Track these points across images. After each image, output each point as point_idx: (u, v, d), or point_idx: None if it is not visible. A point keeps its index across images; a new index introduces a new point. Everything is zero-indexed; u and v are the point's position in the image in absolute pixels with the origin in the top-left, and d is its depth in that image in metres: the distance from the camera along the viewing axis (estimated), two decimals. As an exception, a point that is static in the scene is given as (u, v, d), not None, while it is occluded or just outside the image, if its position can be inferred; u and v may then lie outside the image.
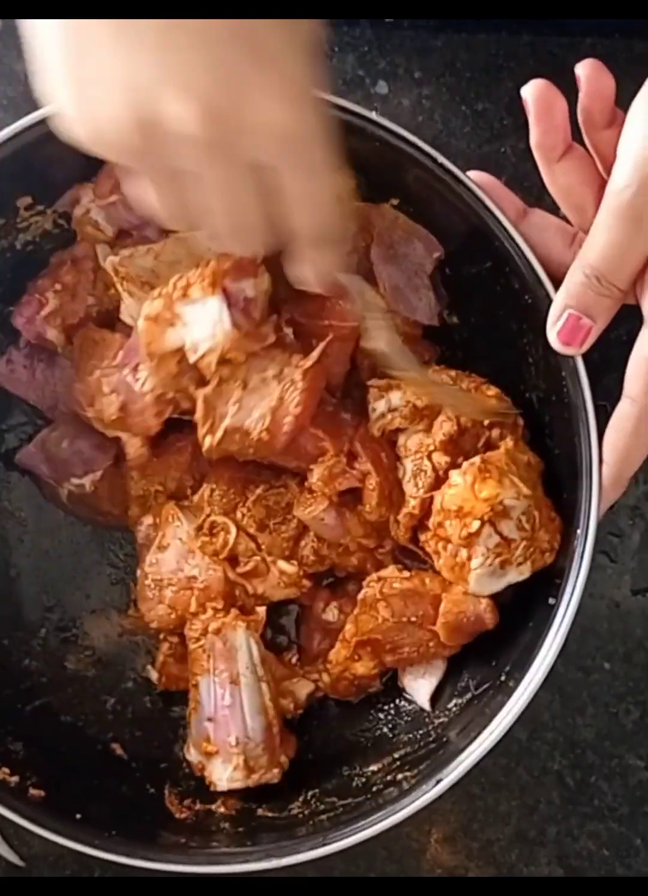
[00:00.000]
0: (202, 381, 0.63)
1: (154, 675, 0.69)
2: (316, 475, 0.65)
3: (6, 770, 0.62)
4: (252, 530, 0.67)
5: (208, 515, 0.68)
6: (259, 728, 0.65)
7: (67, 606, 0.72)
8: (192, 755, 0.66)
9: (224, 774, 0.65)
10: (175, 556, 0.67)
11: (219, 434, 0.63)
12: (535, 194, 0.73)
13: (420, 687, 0.68)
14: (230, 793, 0.66)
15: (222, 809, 0.66)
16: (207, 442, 0.63)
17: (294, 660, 0.71)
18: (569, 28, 0.73)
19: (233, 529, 0.67)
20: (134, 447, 0.67)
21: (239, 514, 0.67)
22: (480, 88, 0.73)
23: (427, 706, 0.68)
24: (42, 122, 0.60)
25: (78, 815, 0.62)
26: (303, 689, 0.69)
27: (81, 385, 0.66)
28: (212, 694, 0.65)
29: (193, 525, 0.67)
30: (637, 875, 0.72)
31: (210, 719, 0.65)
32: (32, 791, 0.62)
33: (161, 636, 0.69)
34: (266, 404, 0.62)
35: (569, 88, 0.73)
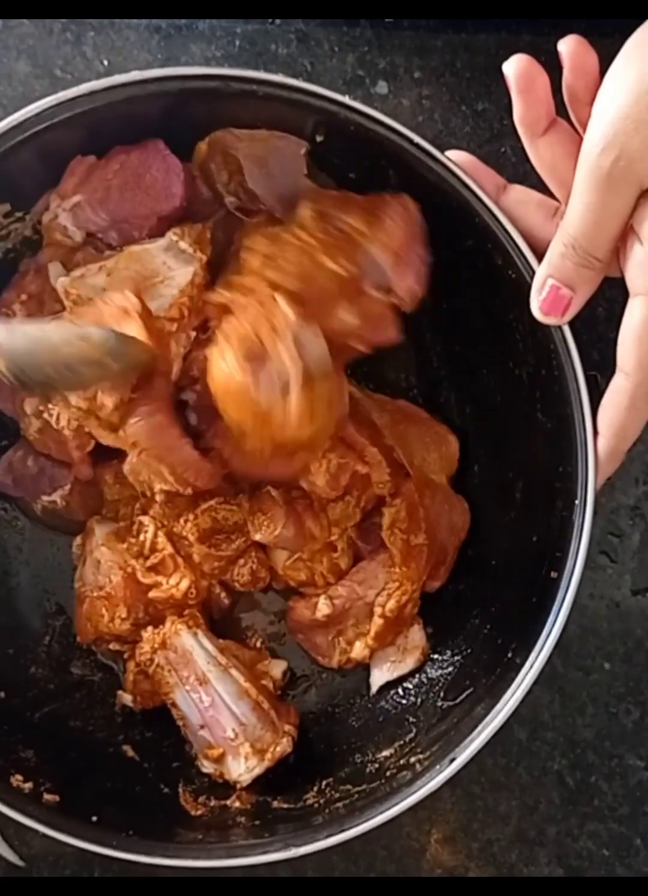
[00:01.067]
0: (112, 427, 0.63)
1: (128, 699, 0.69)
2: (321, 480, 0.66)
3: (19, 777, 0.62)
4: (192, 538, 0.67)
5: (135, 517, 0.68)
6: (248, 710, 0.65)
7: (69, 612, 0.71)
8: (207, 767, 0.66)
9: (240, 768, 0.65)
10: (92, 568, 0.67)
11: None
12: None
13: (380, 672, 0.70)
14: (247, 786, 0.66)
15: (237, 804, 0.66)
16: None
17: (259, 644, 0.71)
18: (569, 28, 0.73)
19: (150, 527, 0.67)
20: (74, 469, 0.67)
21: (182, 521, 0.67)
22: (480, 88, 0.73)
23: (374, 689, 0.69)
24: (18, 127, 0.60)
25: (94, 818, 0.62)
26: (277, 668, 0.70)
27: (13, 403, 0.66)
28: (191, 702, 0.65)
29: (109, 530, 0.67)
30: (637, 875, 0.72)
31: (202, 726, 0.65)
32: (47, 796, 0.62)
33: (124, 657, 0.69)
34: None
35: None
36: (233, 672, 0.65)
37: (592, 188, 0.55)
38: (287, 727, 0.66)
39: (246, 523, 0.68)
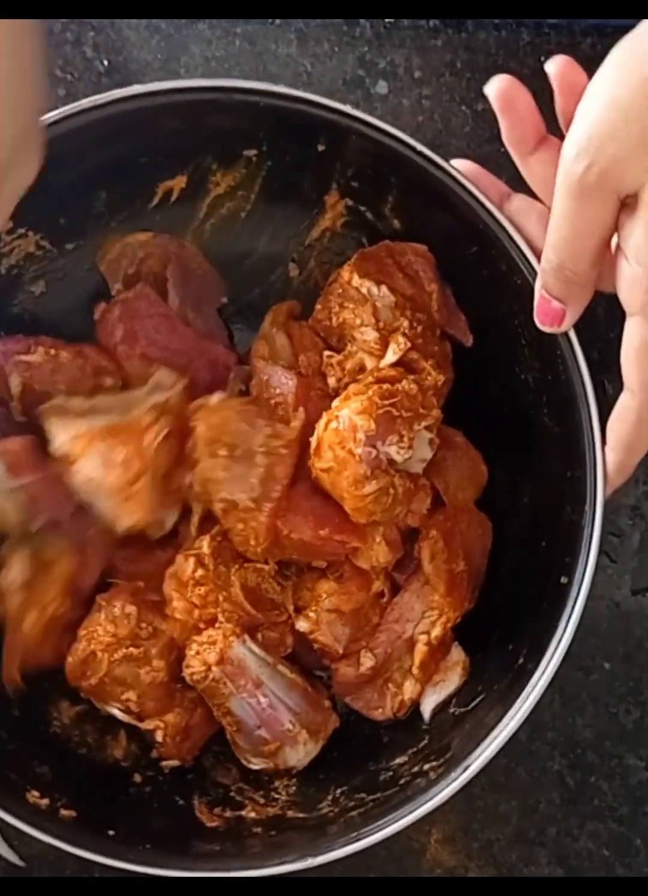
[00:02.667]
0: None
1: (176, 761, 0.67)
2: (382, 555, 0.65)
3: (36, 793, 0.62)
4: (236, 584, 0.66)
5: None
6: (300, 699, 0.65)
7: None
8: (257, 764, 0.66)
9: (299, 754, 0.65)
10: None
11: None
12: (535, 193, 0.73)
13: (429, 698, 0.68)
14: (257, 802, 0.66)
15: (253, 815, 0.66)
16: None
17: None
18: (569, 28, 0.73)
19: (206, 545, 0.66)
20: None
21: (233, 566, 0.66)
22: (480, 88, 0.73)
23: (427, 716, 0.68)
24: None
25: (110, 832, 0.62)
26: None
27: None
28: (248, 707, 0.64)
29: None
30: (637, 875, 0.72)
31: (259, 726, 0.65)
32: (63, 812, 0.62)
33: (147, 725, 0.67)
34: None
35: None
36: (281, 668, 0.65)
37: (566, 196, 0.54)
38: (326, 703, 0.67)
39: (283, 605, 0.67)
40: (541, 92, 0.73)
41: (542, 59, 0.73)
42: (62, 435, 0.63)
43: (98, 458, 0.62)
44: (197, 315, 0.69)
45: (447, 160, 0.62)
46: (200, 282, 0.70)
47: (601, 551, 0.73)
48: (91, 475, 0.63)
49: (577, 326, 0.61)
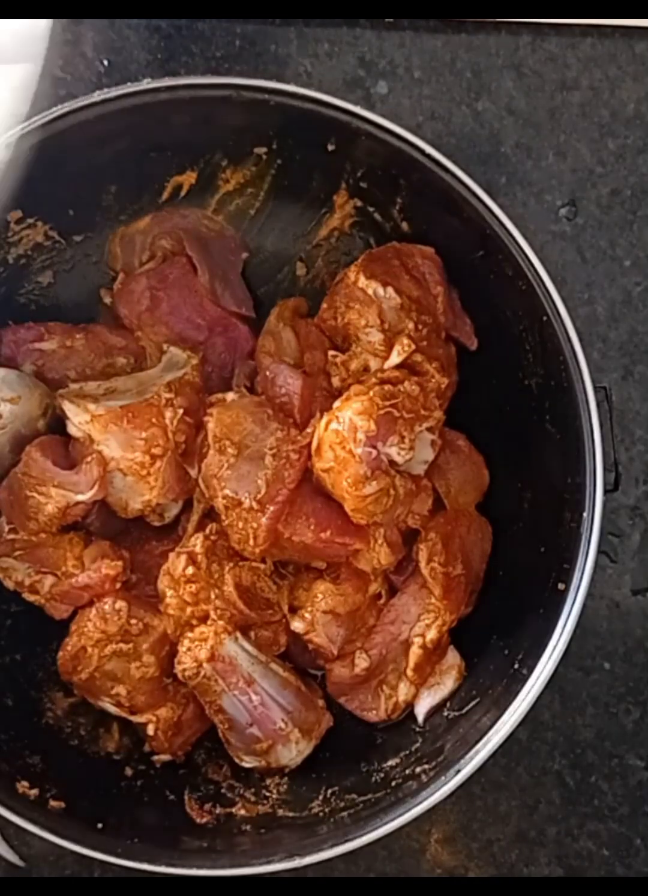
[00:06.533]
0: None
1: (168, 756, 0.68)
2: (384, 556, 0.65)
3: (25, 783, 0.62)
4: (230, 583, 0.65)
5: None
6: (293, 697, 0.65)
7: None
8: (249, 762, 0.66)
9: (292, 753, 0.66)
10: None
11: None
12: (535, 193, 0.73)
13: (423, 700, 0.68)
14: (248, 799, 0.66)
15: (243, 812, 0.66)
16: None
17: None
18: (569, 28, 0.73)
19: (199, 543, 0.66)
20: None
21: (227, 565, 0.66)
22: (480, 88, 0.73)
23: (421, 719, 0.68)
24: (29, 134, 0.60)
25: (99, 825, 0.62)
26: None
27: None
28: (240, 704, 0.65)
29: None
30: (637, 875, 0.72)
31: (250, 724, 0.65)
32: (52, 803, 0.62)
33: (143, 724, 0.67)
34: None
35: (567, 85, 0.74)
36: (273, 666, 0.65)
37: None
38: (320, 703, 0.67)
39: (278, 604, 0.67)
40: (539, 90, 0.73)
41: (542, 58, 0.73)
42: (78, 417, 0.64)
43: (120, 437, 0.63)
44: (225, 286, 0.69)
45: (457, 164, 0.62)
46: (218, 243, 0.70)
47: (601, 551, 0.73)
48: (112, 455, 0.63)
49: (578, 327, 0.61)
